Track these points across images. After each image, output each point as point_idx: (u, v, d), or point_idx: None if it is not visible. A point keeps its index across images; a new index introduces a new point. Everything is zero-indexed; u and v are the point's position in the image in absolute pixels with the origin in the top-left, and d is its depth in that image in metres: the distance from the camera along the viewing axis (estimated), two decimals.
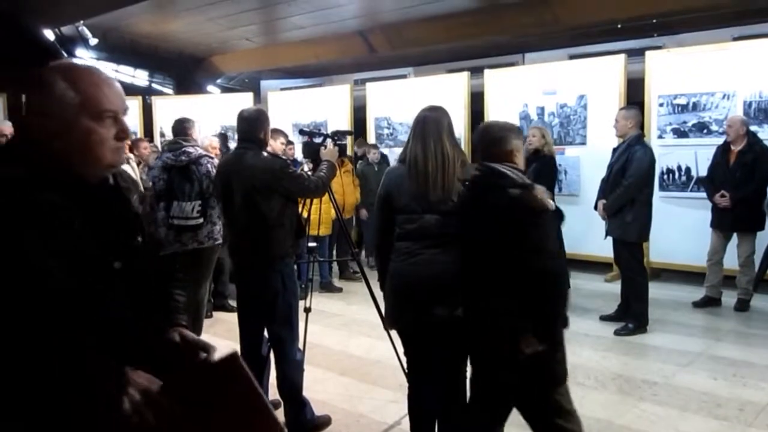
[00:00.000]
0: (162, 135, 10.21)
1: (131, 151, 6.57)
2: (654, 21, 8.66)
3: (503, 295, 2.35)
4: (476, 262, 2.49)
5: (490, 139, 2.54)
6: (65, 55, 10.94)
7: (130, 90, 11.68)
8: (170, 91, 13.39)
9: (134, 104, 10.39)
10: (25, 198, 1.28)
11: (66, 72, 1.41)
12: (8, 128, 5.32)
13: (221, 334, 5.39)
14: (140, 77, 12.88)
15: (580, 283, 6.66)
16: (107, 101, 1.43)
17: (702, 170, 6.41)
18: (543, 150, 5.76)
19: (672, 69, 6.88)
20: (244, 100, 10.22)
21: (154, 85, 13.16)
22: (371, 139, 9.20)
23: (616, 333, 5.20)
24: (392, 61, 11.76)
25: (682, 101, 6.75)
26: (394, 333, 3.21)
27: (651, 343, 5.01)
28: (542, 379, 2.43)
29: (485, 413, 2.58)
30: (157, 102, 10.89)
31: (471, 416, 2.62)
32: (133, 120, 9.98)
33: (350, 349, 5.03)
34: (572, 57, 9.30)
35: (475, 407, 2.63)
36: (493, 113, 8.05)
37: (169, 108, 10.77)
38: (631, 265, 5.31)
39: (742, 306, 5.76)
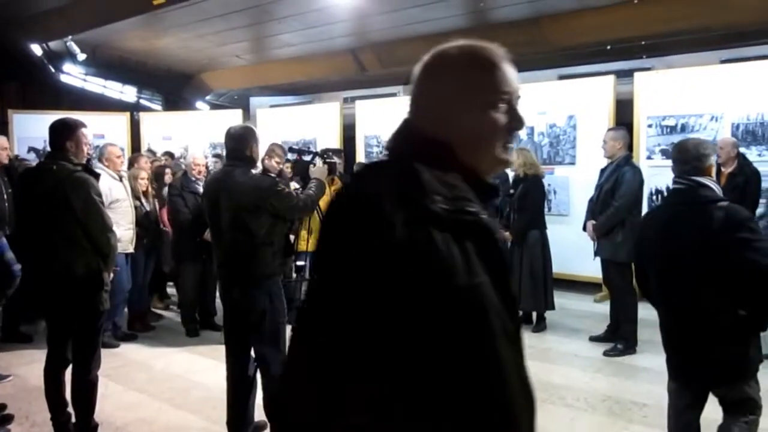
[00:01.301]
0: (149, 151, 10.13)
1: (131, 165, 6.54)
2: (643, 43, 8.74)
3: (718, 297, 2.61)
4: (681, 273, 2.69)
5: (693, 155, 2.76)
6: (52, 69, 10.90)
7: (118, 106, 11.65)
8: (159, 108, 13.34)
9: (122, 120, 10.34)
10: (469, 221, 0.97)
11: (463, 46, 1.18)
12: (4, 141, 5.25)
13: (207, 354, 5.31)
14: (128, 93, 12.82)
15: (569, 303, 6.64)
16: (504, 81, 1.14)
17: None
18: (520, 172, 5.81)
19: (661, 90, 6.92)
20: (233, 117, 10.19)
21: (142, 101, 13.10)
22: (360, 157, 9.18)
23: (606, 354, 5.17)
24: (382, 79, 11.78)
25: (671, 122, 6.79)
26: None
27: (640, 364, 4.97)
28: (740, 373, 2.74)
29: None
30: (144, 118, 10.83)
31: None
32: (120, 136, 9.92)
33: None
34: (562, 77, 9.35)
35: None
36: None
37: (156, 124, 10.73)
38: (621, 285, 5.30)
39: None
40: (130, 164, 6.65)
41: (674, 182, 2.83)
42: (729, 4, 7.33)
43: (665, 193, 6.75)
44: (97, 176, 3.61)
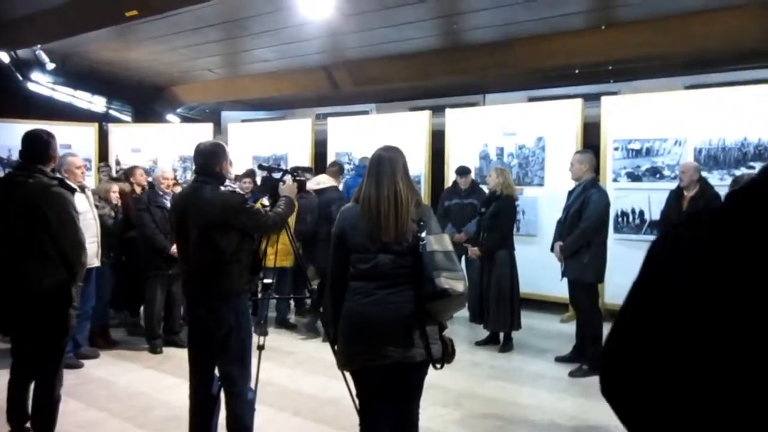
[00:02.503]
0: (117, 163, 10.01)
1: (127, 179, 6.46)
2: (610, 67, 8.93)
3: None
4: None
5: None
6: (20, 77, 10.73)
7: (87, 116, 11.50)
8: (128, 119, 13.20)
9: (90, 131, 10.20)
10: None
11: None
12: None
13: (171, 371, 5.23)
14: (98, 103, 12.66)
15: (536, 323, 6.69)
16: None
17: (655, 213, 6.56)
18: (497, 190, 5.88)
19: (627, 114, 7.07)
20: (204, 131, 10.13)
21: (111, 112, 12.94)
22: None
23: (571, 374, 5.21)
24: (355, 97, 11.83)
25: (636, 146, 6.93)
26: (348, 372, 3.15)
27: None
28: None
29: None
30: (113, 129, 10.70)
31: None
32: (88, 147, 9.78)
33: (304, 388, 4.93)
34: (531, 99, 9.49)
35: None
36: (454, 152, 8.14)
37: (125, 136, 10.61)
38: (587, 306, 5.36)
39: None
40: (126, 177, 6.57)
41: None
42: (693, 33, 7.54)
43: (630, 216, 6.89)
44: (72, 191, 3.58)
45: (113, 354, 5.80)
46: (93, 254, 5.29)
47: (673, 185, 6.12)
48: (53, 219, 3.35)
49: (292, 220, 5.53)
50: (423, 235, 2.67)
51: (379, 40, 9.13)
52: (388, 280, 2.69)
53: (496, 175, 6.00)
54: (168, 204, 5.48)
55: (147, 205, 5.81)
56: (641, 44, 7.91)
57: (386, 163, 2.78)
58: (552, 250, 5.55)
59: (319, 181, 6.77)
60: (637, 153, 6.93)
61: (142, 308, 6.95)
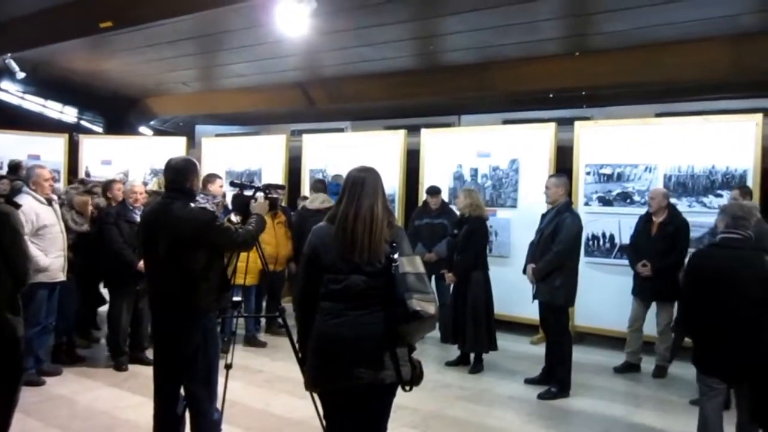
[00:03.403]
0: (87, 174, 9.85)
1: (104, 193, 6.35)
2: (583, 93, 9.07)
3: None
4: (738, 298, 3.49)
5: (742, 214, 3.65)
6: None
7: (57, 126, 11.32)
8: (100, 130, 13.04)
9: (60, 142, 10.04)
10: None
11: None
12: None
13: (135, 389, 5.11)
14: (69, 114, 12.50)
15: (506, 344, 6.68)
16: None
17: (625, 238, 6.63)
18: (465, 212, 5.91)
19: (599, 140, 7.16)
20: (177, 145, 10.04)
21: (83, 123, 12.77)
22: (306, 190, 9.14)
23: (540, 397, 5.21)
24: (330, 114, 11.85)
25: (608, 171, 7.02)
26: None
27: (573, 407, 5.04)
28: None
29: None
30: (84, 140, 10.54)
31: None
32: (57, 158, 9.62)
33: (271, 409, 4.85)
34: (506, 122, 9.59)
35: None
36: (428, 172, 8.15)
37: (97, 147, 10.47)
38: (557, 329, 5.38)
39: (660, 373, 5.89)
40: (104, 191, 6.42)
41: (726, 233, 3.65)
42: (665, 62, 7.71)
43: (601, 240, 6.96)
44: (17, 206, 3.61)
45: (77, 371, 5.65)
46: (58, 268, 5.17)
47: (643, 210, 6.20)
48: (5, 237, 3.35)
49: (269, 237, 5.60)
50: (395, 256, 2.65)
51: (355, 58, 9.17)
52: (360, 301, 2.66)
53: (464, 196, 6.03)
54: (137, 218, 5.38)
55: (115, 219, 5.69)
56: (614, 72, 8.07)
57: (368, 184, 2.75)
58: (524, 272, 5.57)
59: (323, 200, 6.79)
60: (609, 178, 7.02)
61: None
